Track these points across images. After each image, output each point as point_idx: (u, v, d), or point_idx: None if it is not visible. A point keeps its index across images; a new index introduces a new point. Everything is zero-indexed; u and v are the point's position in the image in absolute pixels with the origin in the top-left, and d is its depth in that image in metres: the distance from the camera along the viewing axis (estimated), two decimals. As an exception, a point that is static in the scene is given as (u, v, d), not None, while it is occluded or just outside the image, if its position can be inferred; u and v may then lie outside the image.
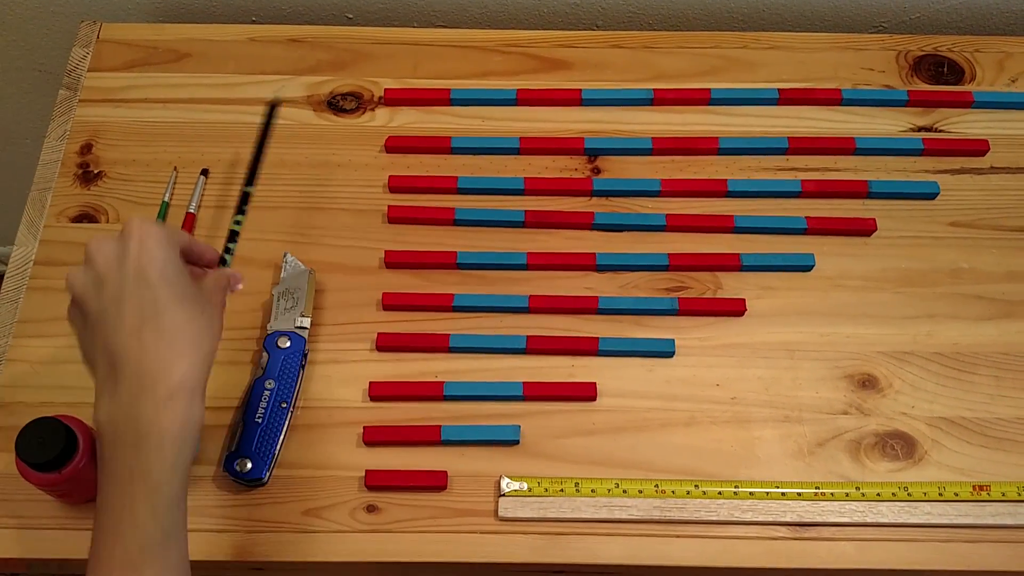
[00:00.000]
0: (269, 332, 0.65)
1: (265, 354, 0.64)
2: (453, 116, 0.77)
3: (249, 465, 0.60)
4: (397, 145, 0.75)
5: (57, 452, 0.55)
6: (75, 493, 0.60)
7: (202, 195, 0.73)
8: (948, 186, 0.74)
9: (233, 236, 0.60)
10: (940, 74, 0.80)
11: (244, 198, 0.61)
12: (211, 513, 0.61)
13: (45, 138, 0.75)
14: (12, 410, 0.64)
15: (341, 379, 0.66)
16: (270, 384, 0.63)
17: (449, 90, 0.77)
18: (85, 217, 0.72)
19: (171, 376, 0.48)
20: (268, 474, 0.61)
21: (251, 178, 0.62)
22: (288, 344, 0.64)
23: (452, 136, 0.75)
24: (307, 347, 0.65)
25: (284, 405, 0.62)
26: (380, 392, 0.65)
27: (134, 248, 0.50)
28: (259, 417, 0.62)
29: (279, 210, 0.72)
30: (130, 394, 0.48)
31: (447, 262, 0.70)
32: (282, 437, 0.62)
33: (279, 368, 0.64)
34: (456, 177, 0.73)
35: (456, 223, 0.72)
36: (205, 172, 0.73)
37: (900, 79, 0.80)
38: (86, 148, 0.75)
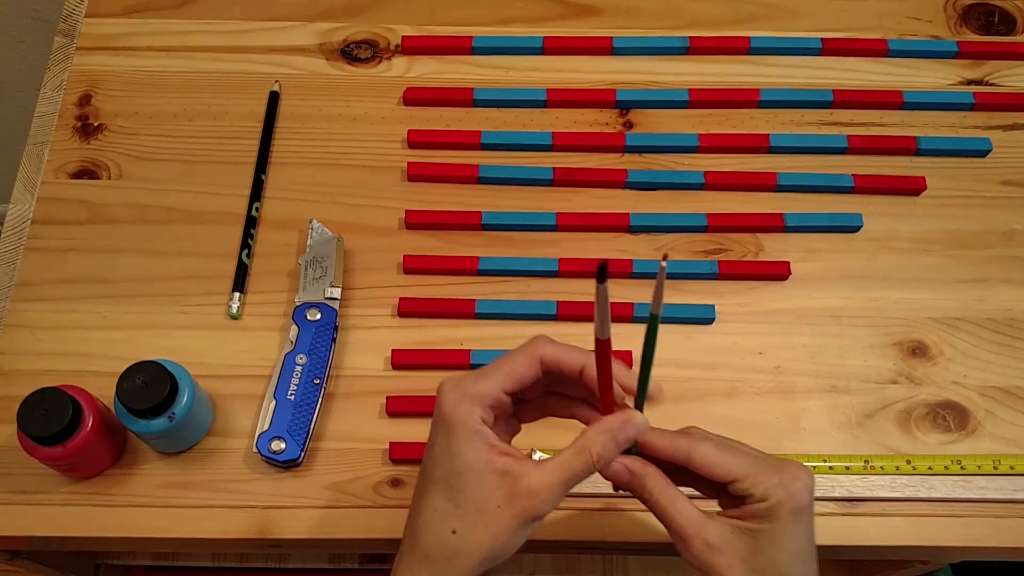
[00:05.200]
0: (298, 304, 0.62)
1: (295, 327, 0.61)
2: (475, 66, 0.73)
3: (283, 445, 0.57)
4: (416, 97, 0.71)
5: (62, 425, 0.52)
6: (81, 467, 0.57)
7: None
8: (1000, 143, 0.71)
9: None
10: (991, 24, 0.76)
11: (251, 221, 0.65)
12: (229, 488, 0.58)
13: (41, 89, 0.71)
14: (12, 379, 0.61)
15: (362, 346, 0.63)
16: (301, 359, 0.60)
17: (471, 38, 0.73)
18: (85, 173, 0.68)
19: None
20: (303, 454, 0.58)
21: (262, 165, 0.65)
22: (319, 316, 0.61)
23: (474, 87, 0.71)
24: (338, 319, 0.62)
25: (317, 382, 0.59)
26: (403, 360, 0.62)
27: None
28: (291, 394, 0.58)
29: (290, 166, 0.69)
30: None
31: (471, 223, 0.66)
32: (316, 414, 0.59)
33: (310, 342, 0.60)
34: (479, 132, 0.70)
35: (480, 181, 0.68)
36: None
37: (948, 29, 0.76)
38: (85, 99, 0.71)
